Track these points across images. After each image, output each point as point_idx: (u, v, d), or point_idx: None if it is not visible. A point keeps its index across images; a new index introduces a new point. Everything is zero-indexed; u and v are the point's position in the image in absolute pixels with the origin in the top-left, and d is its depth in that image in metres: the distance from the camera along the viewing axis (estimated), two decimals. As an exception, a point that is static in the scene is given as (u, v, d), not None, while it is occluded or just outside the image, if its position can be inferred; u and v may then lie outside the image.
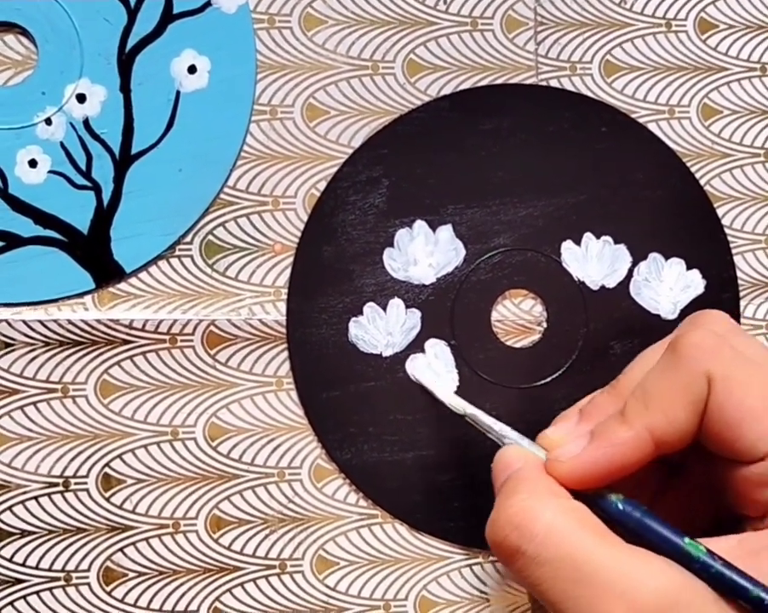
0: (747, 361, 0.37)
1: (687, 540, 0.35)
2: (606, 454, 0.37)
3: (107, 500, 0.47)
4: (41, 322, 0.47)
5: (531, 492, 0.36)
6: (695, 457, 0.39)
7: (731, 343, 0.37)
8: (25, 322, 0.47)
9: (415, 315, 0.49)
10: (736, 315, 0.50)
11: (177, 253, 0.48)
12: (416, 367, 0.48)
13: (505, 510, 0.36)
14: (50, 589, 0.47)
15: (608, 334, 0.49)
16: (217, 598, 0.48)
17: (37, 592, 0.47)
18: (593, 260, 0.50)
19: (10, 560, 0.47)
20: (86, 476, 0.47)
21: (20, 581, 0.47)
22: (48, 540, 0.47)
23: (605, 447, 0.37)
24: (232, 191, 0.49)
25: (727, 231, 0.51)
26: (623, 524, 0.36)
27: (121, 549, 0.47)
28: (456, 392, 0.48)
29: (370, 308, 0.49)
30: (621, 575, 0.34)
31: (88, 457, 0.47)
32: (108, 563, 0.47)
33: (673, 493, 0.41)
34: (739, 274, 0.51)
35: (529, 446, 0.39)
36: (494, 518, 0.36)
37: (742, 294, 0.51)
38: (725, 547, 0.35)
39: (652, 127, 0.51)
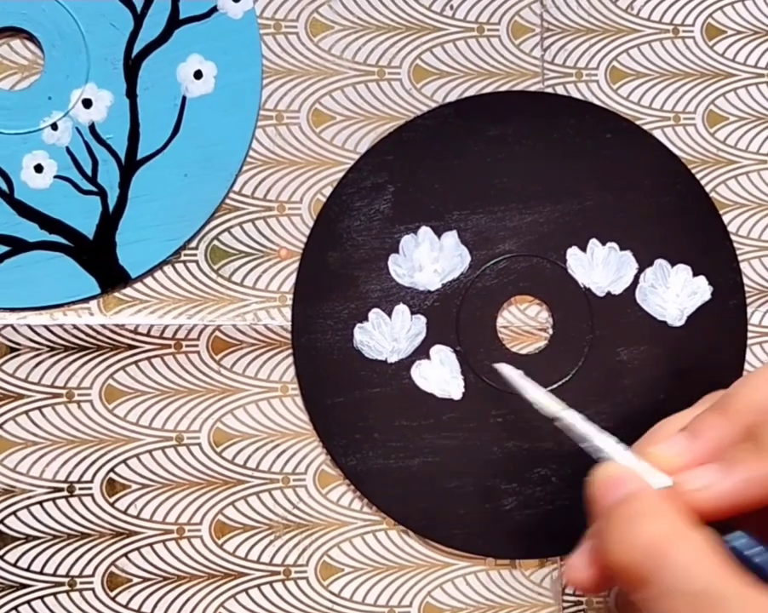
0: None
1: None
2: (742, 487, 0.35)
3: (112, 505, 0.47)
4: (46, 327, 0.47)
5: (666, 519, 0.34)
6: None
7: None
8: (30, 326, 0.47)
9: (421, 321, 0.49)
10: (742, 322, 0.50)
11: (182, 258, 0.48)
12: (502, 367, 0.44)
13: (636, 534, 0.34)
14: (54, 594, 0.47)
15: (614, 340, 0.49)
16: (221, 604, 0.48)
17: (41, 598, 0.47)
18: (599, 267, 0.50)
19: (14, 565, 0.47)
20: (91, 481, 0.47)
21: (24, 587, 0.47)
22: (53, 545, 0.47)
23: (742, 480, 0.35)
24: (237, 197, 0.49)
25: (733, 237, 0.51)
26: (744, 561, 0.35)
27: (125, 554, 0.47)
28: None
29: (375, 314, 0.48)
30: None
31: (93, 462, 0.47)
32: (112, 568, 0.47)
33: None
34: (745, 281, 0.51)
35: (639, 464, 0.37)
36: (620, 541, 0.34)
37: (748, 300, 0.51)
38: None
39: (658, 133, 0.51)
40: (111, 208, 0.47)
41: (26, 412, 0.47)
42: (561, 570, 0.49)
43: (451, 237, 0.49)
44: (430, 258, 0.49)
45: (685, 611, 0.33)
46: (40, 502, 0.47)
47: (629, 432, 0.49)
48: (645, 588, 0.33)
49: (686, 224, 0.50)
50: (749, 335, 0.50)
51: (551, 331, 0.50)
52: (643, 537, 0.34)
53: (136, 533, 0.47)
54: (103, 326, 0.47)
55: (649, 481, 0.36)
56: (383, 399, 0.48)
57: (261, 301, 0.49)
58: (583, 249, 0.50)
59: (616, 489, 0.36)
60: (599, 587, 0.37)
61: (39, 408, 0.47)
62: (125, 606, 0.47)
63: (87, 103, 0.47)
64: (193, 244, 0.48)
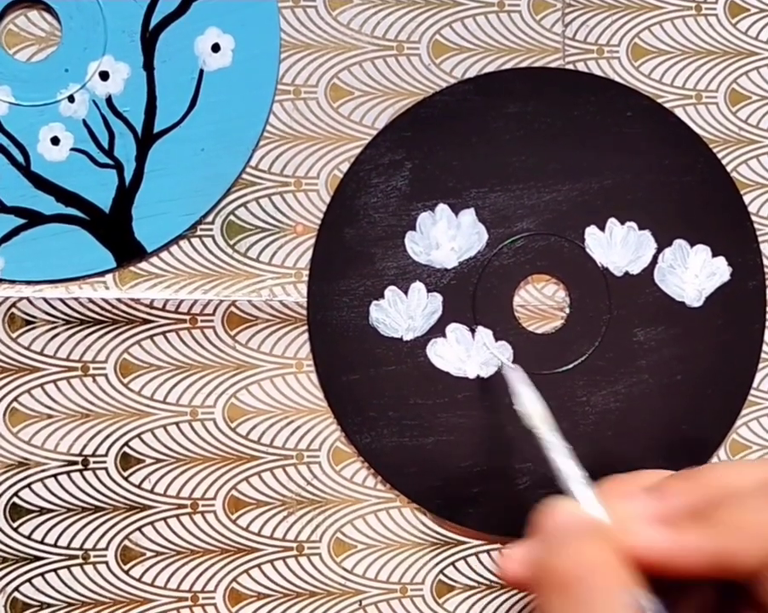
0: None
1: None
2: (676, 552, 0.34)
3: (126, 479, 0.47)
4: (62, 300, 0.47)
5: (606, 552, 0.34)
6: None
7: None
8: (46, 300, 0.47)
9: (437, 299, 0.48)
10: (761, 303, 0.50)
11: (198, 233, 0.48)
12: (515, 378, 0.44)
13: (576, 549, 0.34)
14: (68, 567, 0.47)
15: (631, 321, 0.49)
16: (234, 579, 0.48)
17: (54, 570, 0.47)
18: (618, 246, 0.49)
19: (29, 537, 0.47)
20: (105, 455, 0.47)
21: (38, 559, 0.47)
22: (67, 518, 0.47)
23: (678, 545, 0.34)
24: (254, 172, 0.49)
25: (754, 218, 0.50)
26: None
27: (139, 528, 0.47)
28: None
29: (392, 292, 0.48)
30: None
31: (108, 436, 0.47)
32: (126, 542, 0.47)
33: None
34: (765, 262, 0.50)
35: (593, 509, 0.37)
36: (560, 548, 0.34)
37: None
38: None
39: (679, 112, 0.50)
40: (127, 181, 0.47)
41: (41, 385, 0.47)
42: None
43: (469, 214, 0.49)
44: (447, 236, 0.49)
45: None
46: (54, 475, 0.47)
47: (645, 414, 0.49)
48: (560, 594, 0.34)
49: (706, 204, 0.50)
50: (768, 316, 0.50)
51: (568, 311, 0.49)
52: (581, 554, 0.34)
53: (150, 507, 0.48)
54: (118, 300, 0.47)
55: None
56: (398, 377, 0.48)
57: (277, 277, 0.48)
58: (602, 228, 0.49)
59: (568, 515, 0.36)
60: (521, 585, 0.37)
61: (54, 381, 0.47)
62: (138, 580, 0.47)
63: (104, 75, 0.47)
64: (209, 219, 0.48)
